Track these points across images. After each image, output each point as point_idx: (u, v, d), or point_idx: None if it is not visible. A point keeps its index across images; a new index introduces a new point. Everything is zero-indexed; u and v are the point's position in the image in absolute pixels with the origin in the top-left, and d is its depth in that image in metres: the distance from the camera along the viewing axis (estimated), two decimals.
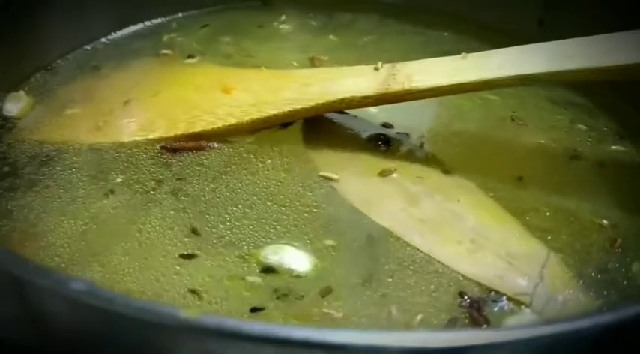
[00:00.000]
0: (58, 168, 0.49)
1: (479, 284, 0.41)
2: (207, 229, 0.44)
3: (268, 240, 0.44)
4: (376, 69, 0.51)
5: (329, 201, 0.47)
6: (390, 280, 0.41)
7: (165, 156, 0.50)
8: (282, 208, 0.46)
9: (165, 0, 0.69)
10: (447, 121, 0.55)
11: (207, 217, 0.45)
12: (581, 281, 0.42)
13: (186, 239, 0.44)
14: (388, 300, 0.40)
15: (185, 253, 0.43)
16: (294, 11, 0.71)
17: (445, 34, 0.67)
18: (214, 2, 0.72)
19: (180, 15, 0.70)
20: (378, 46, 0.66)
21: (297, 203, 0.46)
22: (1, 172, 0.49)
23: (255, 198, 0.47)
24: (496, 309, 0.40)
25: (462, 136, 0.54)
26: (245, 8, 0.72)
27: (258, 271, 0.41)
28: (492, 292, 0.41)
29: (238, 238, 0.44)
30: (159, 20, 0.69)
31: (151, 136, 0.51)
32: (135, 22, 0.68)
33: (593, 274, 0.42)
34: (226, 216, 0.45)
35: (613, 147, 0.53)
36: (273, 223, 0.45)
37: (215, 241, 0.43)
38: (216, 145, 0.51)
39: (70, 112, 0.55)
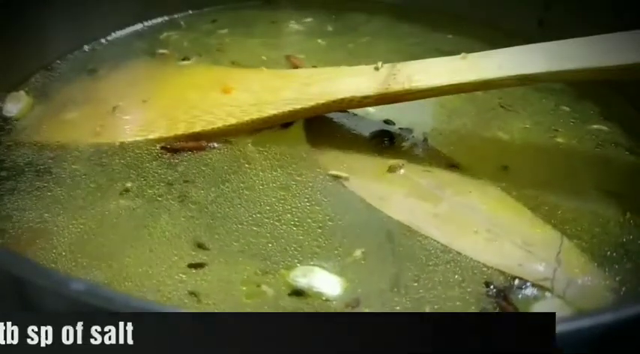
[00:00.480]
0: (61, 172, 0.48)
1: (502, 273, 0.41)
2: (216, 243, 0.43)
3: (296, 260, 0.42)
4: (376, 69, 0.51)
5: (337, 210, 0.46)
6: (416, 284, 0.40)
7: (166, 156, 0.50)
8: (294, 228, 0.44)
9: (164, 0, 0.69)
10: (443, 117, 0.55)
11: (217, 234, 0.44)
12: (595, 264, 0.42)
13: (193, 253, 0.42)
14: (421, 302, 0.39)
15: (193, 262, 0.42)
16: (295, 11, 0.71)
17: (446, 34, 0.67)
18: (215, 2, 0.72)
19: (179, 15, 0.70)
20: (377, 46, 0.66)
21: (310, 220, 0.45)
22: None
23: (260, 215, 0.45)
24: (521, 296, 0.40)
25: (459, 132, 0.54)
26: (247, 7, 0.72)
27: (287, 294, 0.40)
28: (516, 280, 0.41)
29: (254, 253, 0.42)
30: (158, 20, 0.69)
31: (151, 137, 0.51)
32: (134, 22, 0.68)
33: (608, 253, 0.43)
34: (237, 233, 0.43)
35: (595, 126, 0.54)
36: (294, 245, 0.43)
37: (227, 250, 0.42)
38: (216, 145, 0.51)
39: (70, 113, 0.55)
